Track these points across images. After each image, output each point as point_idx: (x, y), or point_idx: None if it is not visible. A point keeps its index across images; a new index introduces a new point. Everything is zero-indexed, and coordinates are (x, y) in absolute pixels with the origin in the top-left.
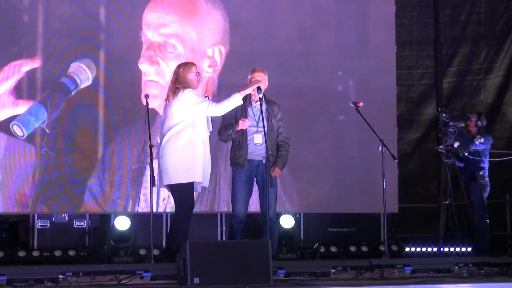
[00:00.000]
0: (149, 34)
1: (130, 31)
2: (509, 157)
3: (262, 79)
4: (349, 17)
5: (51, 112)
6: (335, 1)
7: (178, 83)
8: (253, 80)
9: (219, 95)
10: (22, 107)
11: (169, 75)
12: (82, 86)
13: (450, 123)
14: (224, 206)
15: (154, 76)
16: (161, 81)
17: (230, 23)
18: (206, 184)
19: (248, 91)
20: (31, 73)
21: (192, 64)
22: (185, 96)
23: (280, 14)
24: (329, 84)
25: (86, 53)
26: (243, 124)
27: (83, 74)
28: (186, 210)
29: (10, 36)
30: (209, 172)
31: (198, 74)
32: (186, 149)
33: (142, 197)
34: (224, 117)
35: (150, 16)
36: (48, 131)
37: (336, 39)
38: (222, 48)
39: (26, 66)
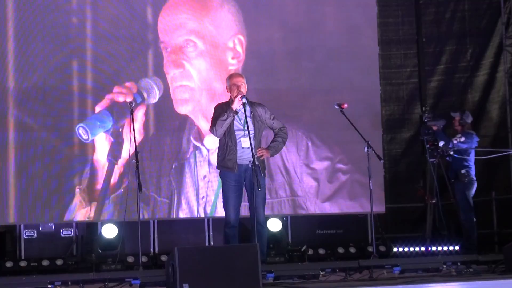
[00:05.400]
0: (167, 39)
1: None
2: (494, 155)
3: (241, 84)
4: (331, 19)
5: (116, 121)
6: (317, 3)
7: None
8: (232, 86)
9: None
10: None
11: (195, 76)
12: (148, 102)
13: (427, 123)
14: (210, 211)
15: (181, 80)
16: (189, 83)
17: (244, 14)
18: None
19: None
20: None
21: None
22: None
23: (263, 16)
24: (313, 86)
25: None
26: (239, 102)
27: (151, 91)
28: None
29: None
30: None
31: None
32: None
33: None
34: (214, 116)
35: (164, 20)
36: (112, 139)
37: (319, 41)
38: (242, 38)
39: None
